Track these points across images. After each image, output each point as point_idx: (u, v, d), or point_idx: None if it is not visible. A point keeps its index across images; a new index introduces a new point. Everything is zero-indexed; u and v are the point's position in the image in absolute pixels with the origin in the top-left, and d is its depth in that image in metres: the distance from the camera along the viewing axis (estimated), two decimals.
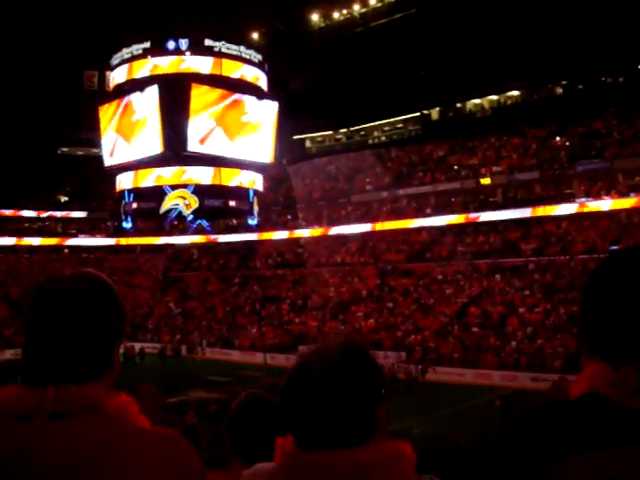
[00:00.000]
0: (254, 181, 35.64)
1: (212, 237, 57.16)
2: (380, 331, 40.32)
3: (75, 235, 61.38)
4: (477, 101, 55.71)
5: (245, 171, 34.89)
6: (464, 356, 34.89)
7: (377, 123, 61.63)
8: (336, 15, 55.12)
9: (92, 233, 61.91)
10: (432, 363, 34.21)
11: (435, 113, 58.34)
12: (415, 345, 37.45)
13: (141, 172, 33.93)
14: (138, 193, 34.41)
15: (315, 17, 55.70)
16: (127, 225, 36.33)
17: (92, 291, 1.48)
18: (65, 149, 65.53)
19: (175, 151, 31.74)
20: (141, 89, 32.48)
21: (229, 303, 52.26)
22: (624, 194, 40.63)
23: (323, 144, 66.08)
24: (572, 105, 46.55)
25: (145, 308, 53.64)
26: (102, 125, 34.70)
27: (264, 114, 34.28)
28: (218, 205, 34.85)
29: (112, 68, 35.46)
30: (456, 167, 50.81)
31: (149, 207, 34.85)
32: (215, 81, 32.73)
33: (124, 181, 35.06)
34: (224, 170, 34.01)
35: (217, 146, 32.42)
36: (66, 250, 61.15)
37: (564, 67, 47.28)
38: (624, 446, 1.16)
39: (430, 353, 36.02)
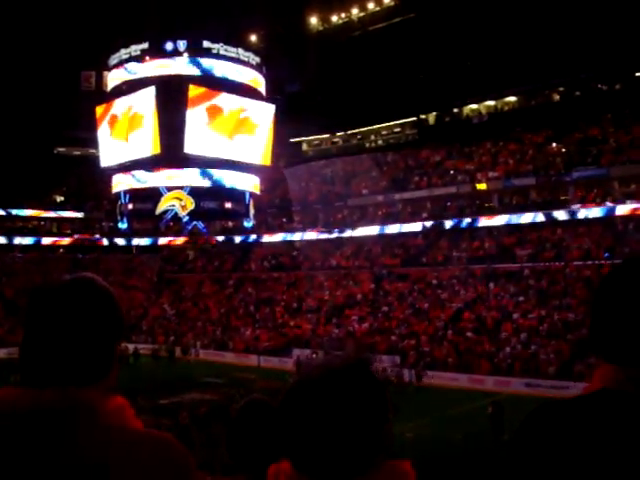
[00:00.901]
0: (250, 183, 35.69)
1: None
2: (374, 335, 40.32)
3: (70, 235, 61.27)
4: (474, 106, 55.77)
5: (241, 173, 34.93)
6: (458, 361, 34.90)
7: (374, 127, 61.64)
8: (335, 19, 55.18)
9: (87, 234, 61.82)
10: (426, 367, 34.19)
11: (432, 118, 58.38)
12: (409, 349, 37.45)
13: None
14: (134, 194, 34.42)
15: (314, 20, 55.75)
16: (123, 226, 36.33)
17: (90, 294, 1.48)
18: (62, 149, 65.44)
19: (171, 153, 31.74)
20: (138, 90, 32.50)
21: (224, 305, 52.19)
22: (620, 201, 40.74)
23: (320, 147, 66.09)
24: (569, 111, 46.65)
25: (140, 309, 53.55)
26: (99, 125, 34.71)
27: (261, 116, 34.32)
28: (214, 207, 34.92)
29: (110, 69, 35.50)
30: (452, 172, 50.84)
31: (145, 208, 34.91)
32: (212, 83, 32.76)
33: (120, 182, 35.07)
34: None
35: (214, 148, 32.43)
36: (61, 250, 61.05)
37: (561, 74, 47.36)
38: None
39: (424, 357, 36.03)
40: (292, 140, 62.45)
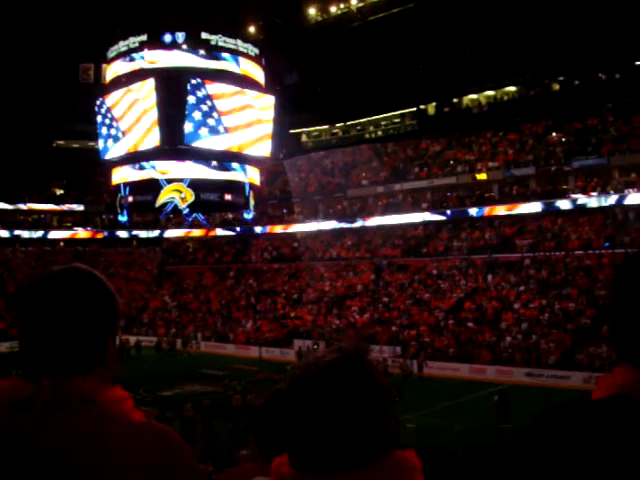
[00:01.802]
0: (250, 175, 35.64)
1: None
2: (375, 326, 40.39)
3: (71, 228, 61.30)
4: (474, 96, 55.65)
5: (241, 164, 34.88)
6: (459, 351, 34.97)
7: (373, 118, 61.54)
8: (333, 9, 54.97)
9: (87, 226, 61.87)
10: (426, 358, 34.26)
11: (431, 108, 58.27)
12: (410, 340, 37.52)
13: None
14: (134, 186, 34.37)
15: (312, 11, 55.57)
16: (123, 218, 36.29)
17: (81, 284, 1.48)
18: (61, 142, 65.36)
19: (171, 145, 31.70)
20: (137, 82, 32.42)
21: (224, 296, 52.27)
22: (620, 190, 40.72)
23: (319, 138, 66.02)
24: (569, 101, 46.58)
25: (140, 301, 53.63)
26: (98, 118, 34.64)
27: (261, 108, 34.25)
28: (214, 199, 34.80)
29: (108, 61, 35.38)
30: (452, 162, 50.84)
31: (145, 200, 34.80)
32: (211, 74, 32.67)
33: (120, 174, 35.03)
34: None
35: (214, 140, 32.39)
36: (62, 243, 61.09)
37: (561, 63, 47.24)
38: None
39: (425, 348, 36.09)
40: (292, 131, 62.37)
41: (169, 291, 55.92)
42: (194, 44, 32.83)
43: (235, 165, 34.69)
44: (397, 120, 61.20)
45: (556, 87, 51.11)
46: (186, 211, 34.33)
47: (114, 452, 1.33)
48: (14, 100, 53.82)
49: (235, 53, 33.92)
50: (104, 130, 34.43)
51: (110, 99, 33.92)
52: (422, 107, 58.35)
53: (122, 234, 60.96)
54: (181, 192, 33.06)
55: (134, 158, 33.81)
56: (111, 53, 34.76)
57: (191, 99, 31.54)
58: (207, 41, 33.09)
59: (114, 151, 34.19)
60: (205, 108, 31.97)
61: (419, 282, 44.10)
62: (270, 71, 37.30)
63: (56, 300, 1.44)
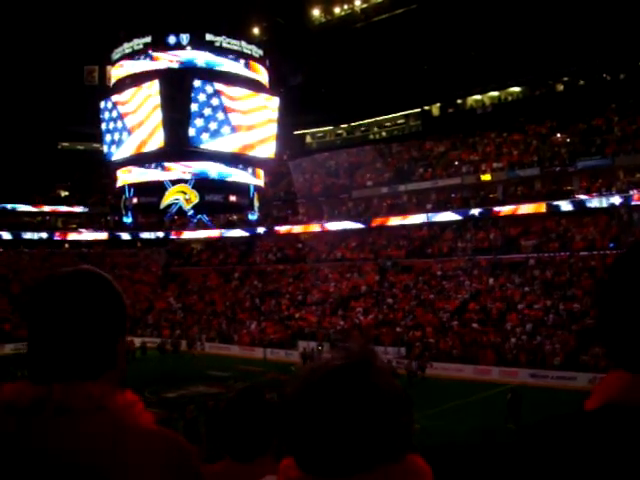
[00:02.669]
0: (255, 176, 35.70)
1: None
2: (380, 327, 40.36)
3: (76, 230, 61.40)
4: (478, 97, 55.64)
5: (246, 165, 34.93)
6: (463, 352, 34.92)
7: (378, 119, 61.53)
8: (337, 10, 54.99)
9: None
10: (430, 359, 34.23)
11: (436, 109, 58.28)
12: (415, 341, 37.48)
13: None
14: (139, 188, 34.43)
15: (316, 12, 55.60)
16: (127, 220, 36.36)
17: (92, 288, 1.48)
18: (65, 144, 65.48)
19: (176, 146, 31.75)
20: (142, 84, 32.49)
21: (229, 298, 52.28)
22: (624, 191, 40.64)
23: (324, 139, 66.05)
24: (573, 102, 46.51)
25: (145, 303, 53.67)
26: (103, 120, 34.72)
27: (265, 109, 34.29)
28: (218, 200, 34.87)
29: (113, 63, 35.46)
30: (456, 163, 50.79)
31: (149, 202, 34.89)
32: (215, 75, 32.72)
33: (125, 176, 35.09)
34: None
35: (218, 141, 32.43)
36: (66, 245, 61.18)
37: (565, 64, 47.21)
38: None
39: (430, 349, 36.06)
40: (296, 133, 62.41)
41: (174, 292, 55.96)
42: (198, 45, 32.89)
43: (239, 166, 34.74)
44: (401, 121, 61.19)
45: (560, 88, 51.07)
46: (191, 212, 34.39)
47: (123, 458, 1.34)
48: (19, 102, 53.95)
49: (239, 54, 33.98)
50: (109, 132, 34.51)
51: (114, 101, 34.00)
52: (426, 108, 58.35)
53: (127, 236, 61.03)
54: (186, 193, 33.12)
55: (139, 160, 33.89)
56: (115, 55, 34.85)
57: (195, 101, 31.60)
58: (211, 42, 33.15)
59: (119, 153, 34.26)
60: (209, 110, 32.02)
61: (424, 283, 44.06)
62: (274, 72, 37.34)
63: (66, 303, 1.44)
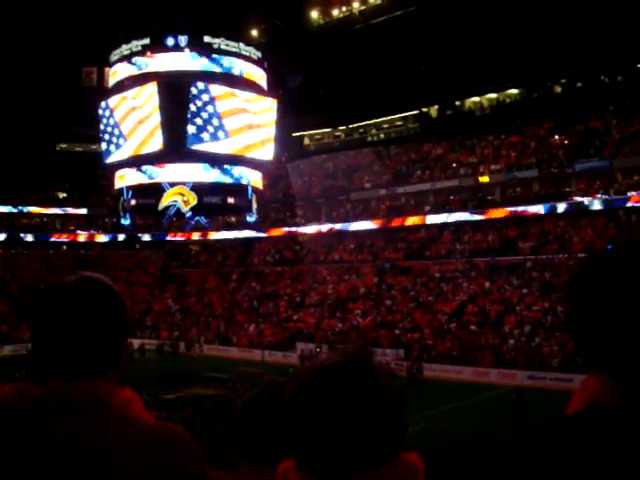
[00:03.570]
0: (253, 178, 35.69)
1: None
2: (378, 329, 40.35)
3: (74, 232, 61.34)
4: (476, 99, 55.68)
5: (244, 168, 34.92)
6: (462, 354, 34.93)
7: (376, 121, 61.53)
8: (335, 12, 55.04)
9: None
10: (426, 361, 34.22)
11: (434, 111, 58.31)
12: (413, 343, 37.48)
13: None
14: (137, 190, 34.42)
15: (314, 14, 55.64)
16: (126, 222, 36.33)
17: (96, 293, 1.53)
18: (64, 145, 65.44)
19: (174, 148, 31.74)
20: (140, 85, 32.48)
21: (227, 300, 52.26)
22: (622, 193, 40.69)
23: (322, 141, 66.07)
24: (571, 104, 46.54)
25: (144, 305, 53.65)
26: (101, 121, 34.70)
27: (263, 111, 34.30)
28: (216, 202, 34.85)
29: (111, 64, 35.46)
30: (455, 165, 50.81)
31: (147, 204, 34.87)
32: (213, 77, 32.74)
33: (123, 178, 35.08)
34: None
35: (216, 143, 32.43)
36: (65, 246, 61.12)
37: (563, 66, 47.24)
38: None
39: (428, 351, 36.06)
40: (294, 135, 62.40)
41: (172, 294, 55.94)
42: (196, 47, 32.90)
43: (238, 168, 34.74)
44: (399, 123, 61.23)
45: (558, 90, 51.12)
46: (189, 214, 34.36)
47: (126, 452, 1.36)
48: (17, 103, 53.91)
49: (237, 56, 33.99)
50: (107, 134, 34.50)
51: (113, 102, 33.99)
52: (424, 110, 58.38)
53: (125, 237, 60.97)
54: (184, 195, 33.11)
55: (137, 161, 33.88)
56: (114, 56, 34.85)
57: (193, 102, 31.61)
58: (209, 44, 33.16)
59: (117, 155, 34.25)
60: (208, 111, 32.02)
61: (422, 285, 44.07)
62: (272, 74, 37.36)
63: (72, 309, 1.48)
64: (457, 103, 56.79)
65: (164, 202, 33.31)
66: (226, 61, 33.40)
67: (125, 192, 34.76)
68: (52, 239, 60.15)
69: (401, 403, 1.35)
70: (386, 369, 1.41)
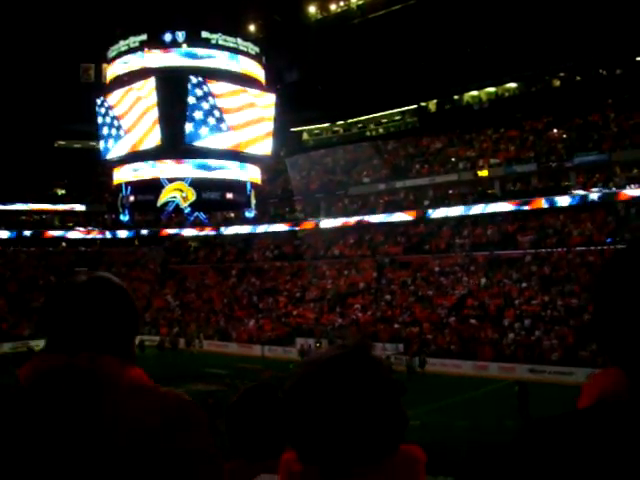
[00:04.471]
0: (252, 174, 35.69)
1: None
2: (378, 323, 40.38)
3: (73, 228, 61.29)
4: (474, 93, 55.61)
5: (243, 163, 34.91)
6: (462, 348, 34.96)
7: (374, 115, 61.46)
8: (333, 7, 55.00)
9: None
10: (427, 354, 34.23)
11: (432, 105, 58.22)
12: (412, 337, 37.50)
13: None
14: (135, 186, 34.41)
15: (312, 9, 55.58)
16: (124, 218, 36.32)
17: (109, 291, 1.58)
18: (62, 142, 65.33)
19: (173, 144, 31.73)
20: (138, 81, 32.46)
21: (227, 295, 52.29)
22: (621, 186, 40.69)
23: (320, 136, 65.98)
24: (570, 97, 46.49)
25: (143, 301, 53.62)
26: (99, 118, 34.68)
27: (262, 106, 34.28)
28: (215, 198, 34.84)
29: (109, 60, 35.42)
30: (453, 159, 50.78)
31: (146, 200, 34.85)
32: (212, 73, 32.71)
33: (121, 174, 35.07)
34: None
35: (215, 139, 32.43)
36: (64, 243, 61.07)
37: (561, 59, 47.15)
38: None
39: (427, 345, 36.08)
40: (292, 130, 62.35)
41: (172, 290, 55.95)
42: (194, 43, 32.87)
43: (236, 164, 34.72)
44: (398, 117, 61.15)
45: (557, 83, 51.08)
46: (188, 210, 34.36)
47: (148, 418, 1.41)
48: (15, 100, 53.83)
49: (235, 51, 33.97)
50: (105, 130, 34.49)
51: (111, 99, 33.97)
52: (423, 104, 58.29)
53: (124, 234, 60.91)
54: (182, 191, 33.11)
55: (135, 158, 33.87)
56: (111, 53, 34.82)
57: (192, 98, 31.59)
58: (207, 40, 33.14)
59: (115, 151, 34.25)
60: (206, 107, 32.01)
61: (421, 279, 44.09)
62: (271, 69, 37.34)
63: (87, 308, 1.54)
64: (456, 97, 56.73)
65: (163, 198, 33.31)
66: (224, 56, 33.36)
67: (124, 188, 34.76)
68: (51, 236, 60.04)
69: (400, 393, 1.36)
70: (385, 362, 1.42)
